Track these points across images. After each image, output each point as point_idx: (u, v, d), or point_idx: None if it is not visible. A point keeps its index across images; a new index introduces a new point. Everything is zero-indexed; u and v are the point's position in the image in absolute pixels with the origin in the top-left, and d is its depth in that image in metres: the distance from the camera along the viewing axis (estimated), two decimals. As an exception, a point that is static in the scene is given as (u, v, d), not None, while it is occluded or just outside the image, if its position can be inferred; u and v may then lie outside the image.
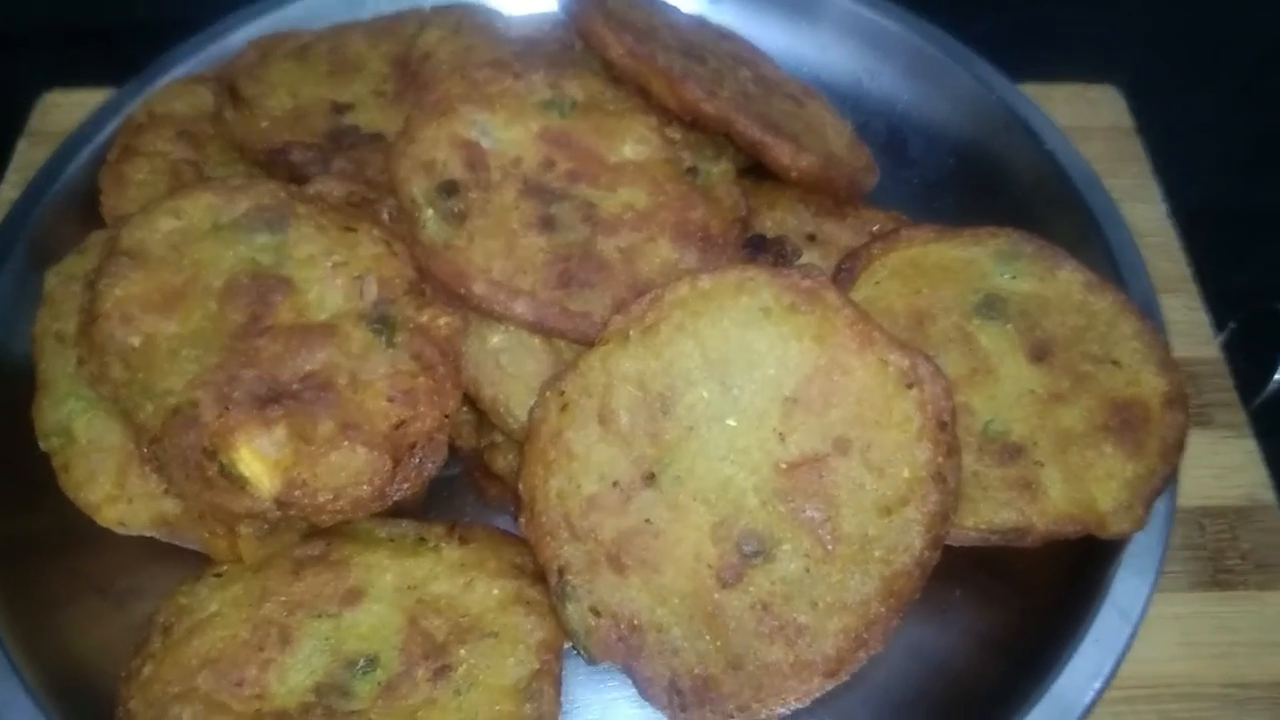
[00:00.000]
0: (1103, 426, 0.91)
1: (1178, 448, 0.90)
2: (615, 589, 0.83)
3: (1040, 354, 0.95)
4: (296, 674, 0.82)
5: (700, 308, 0.86)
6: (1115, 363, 0.94)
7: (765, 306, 0.85)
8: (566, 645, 0.85)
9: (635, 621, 0.82)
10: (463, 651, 0.83)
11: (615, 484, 0.85)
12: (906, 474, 0.81)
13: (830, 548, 0.81)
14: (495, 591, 0.87)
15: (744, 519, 0.82)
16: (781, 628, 0.80)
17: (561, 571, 0.84)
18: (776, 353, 0.85)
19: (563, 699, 0.83)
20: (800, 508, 0.82)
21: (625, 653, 0.82)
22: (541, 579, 0.87)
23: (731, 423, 0.84)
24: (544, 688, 0.82)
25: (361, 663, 0.83)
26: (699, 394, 0.85)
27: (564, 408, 0.87)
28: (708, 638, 0.81)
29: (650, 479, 0.84)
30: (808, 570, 0.81)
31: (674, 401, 0.85)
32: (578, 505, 0.85)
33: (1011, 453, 0.90)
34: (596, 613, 0.83)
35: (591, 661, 0.83)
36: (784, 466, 0.83)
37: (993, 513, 0.87)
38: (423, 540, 0.90)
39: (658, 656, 0.81)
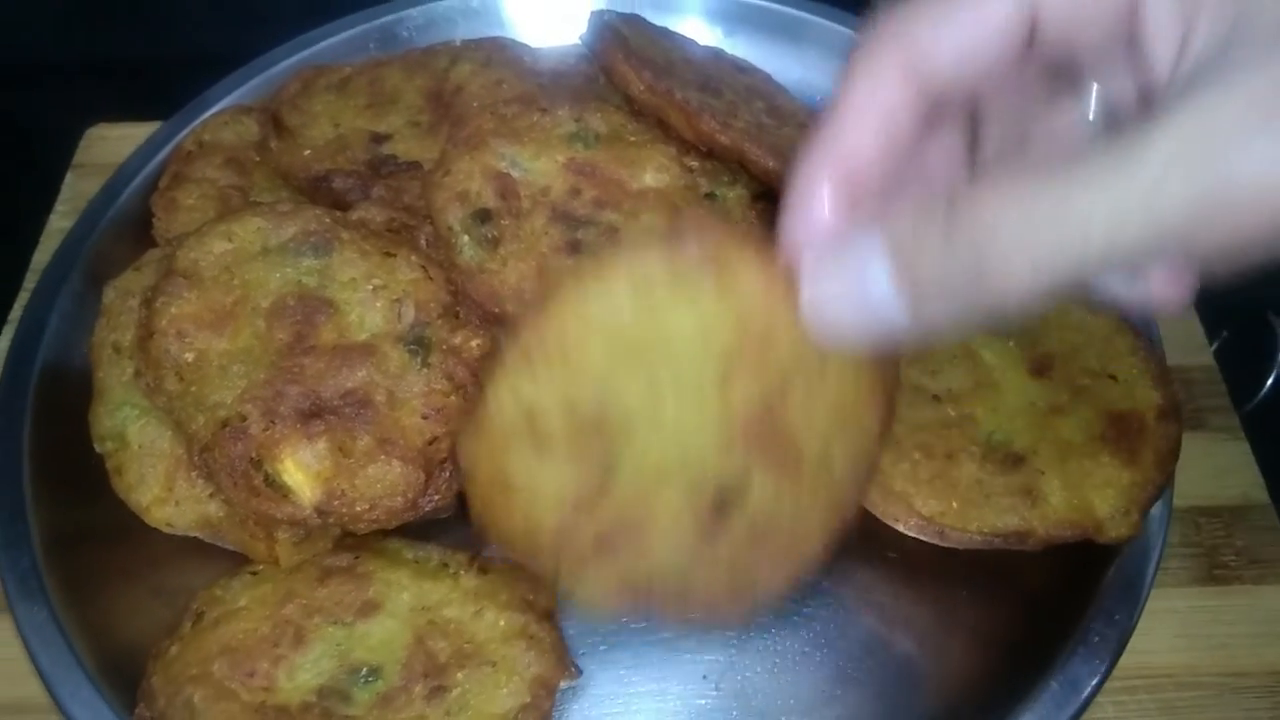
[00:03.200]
0: (1100, 437, 0.94)
1: (1171, 457, 0.94)
2: (613, 571, 0.84)
3: (1041, 369, 0.99)
4: (304, 674, 0.86)
5: (594, 308, 0.74)
6: (1112, 377, 0.98)
7: (658, 283, 0.72)
8: (562, 685, 0.88)
9: (639, 584, 0.81)
10: (460, 675, 0.86)
11: (576, 497, 0.79)
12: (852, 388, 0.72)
13: (797, 469, 0.75)
14: (502, 623, 0.89)
15: (711, 478, 0.76)
16: (770, 534, 0.77)
17: (556, 577, 0.85)
18: (687, 322, 0.72)
19: (583, 683, 0.88)
20: (760, 448, 0.75)
21: (637, 607, 0.81)
22: (549, 617, 0.90)
23: (670, 403, 0.75)
24: None
25: (365, 671, 0.86)
26: (628, 389, 0.75)
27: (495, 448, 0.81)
28: (709, 573, 0.80)
29: (608, 480, 0.78)
30: (780, 493, 0.76)
31: (606, 406, 0.76)
32: (547, 528, 0.80)
33: (1014, 461, 0.93)
34: (601, 589, 0.81)
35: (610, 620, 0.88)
36: (733, 418, 0.74)
37: (996, 518, 0.91)
38: (445, 566, 0.93)
39: (669, 600, 0.80)
